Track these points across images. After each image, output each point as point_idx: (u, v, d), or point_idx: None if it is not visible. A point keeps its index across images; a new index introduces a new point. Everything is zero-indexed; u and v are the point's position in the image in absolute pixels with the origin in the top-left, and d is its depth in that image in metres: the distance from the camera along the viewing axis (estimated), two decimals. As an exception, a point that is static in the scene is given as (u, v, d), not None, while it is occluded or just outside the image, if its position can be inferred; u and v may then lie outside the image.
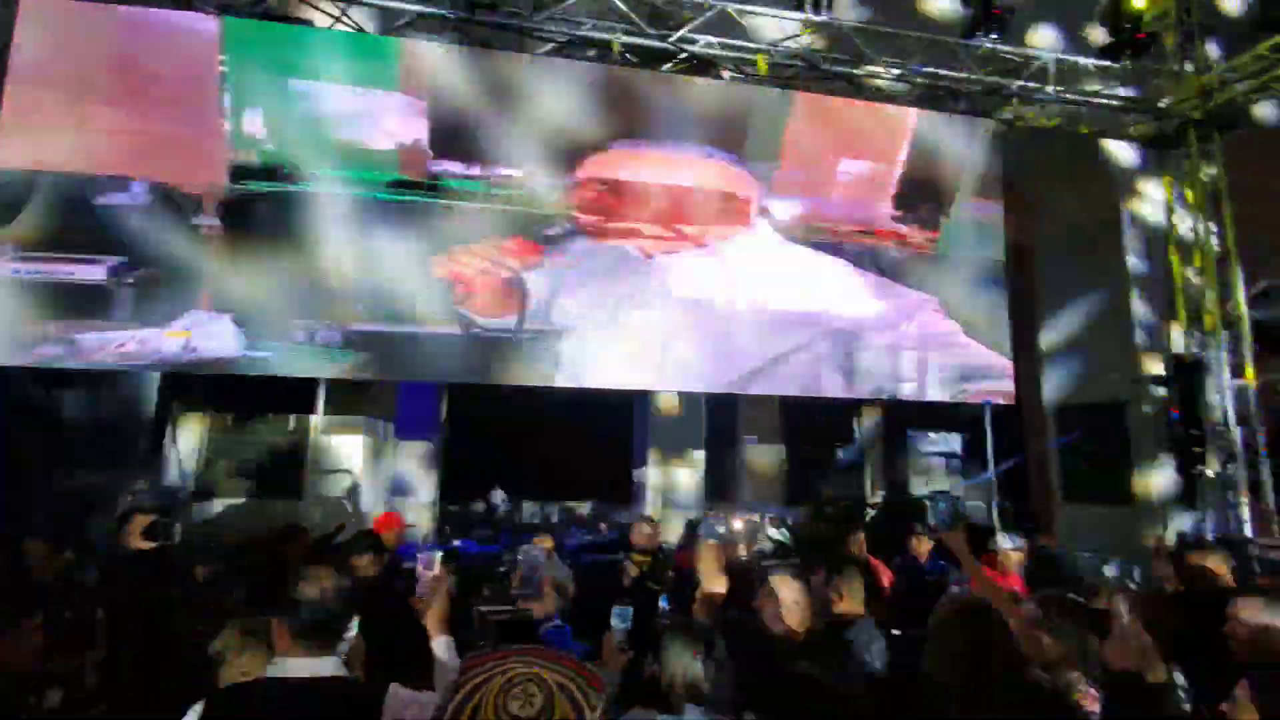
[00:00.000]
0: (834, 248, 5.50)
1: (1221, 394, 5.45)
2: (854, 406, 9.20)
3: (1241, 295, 5.63)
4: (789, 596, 2.35)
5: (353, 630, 2.05)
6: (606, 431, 10.73)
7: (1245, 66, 5.71)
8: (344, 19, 4.88)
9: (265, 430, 6.47)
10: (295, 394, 6.28)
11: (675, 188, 5.19)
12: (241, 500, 6.02)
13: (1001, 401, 5.45)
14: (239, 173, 4.36)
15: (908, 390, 5.13)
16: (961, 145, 5.64)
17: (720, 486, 8.89)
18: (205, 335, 4.09)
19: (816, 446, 9.14)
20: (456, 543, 7.49)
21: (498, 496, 10.02)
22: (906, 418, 8.86)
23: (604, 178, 5.08)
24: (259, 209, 4.38)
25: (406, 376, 5.08)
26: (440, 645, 1.94)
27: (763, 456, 8.91)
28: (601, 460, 10.74)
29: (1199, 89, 5.82)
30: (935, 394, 5.38)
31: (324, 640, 1.58)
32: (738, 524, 2.21)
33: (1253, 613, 2.13)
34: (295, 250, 4.48)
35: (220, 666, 1.77)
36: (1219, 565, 3.17)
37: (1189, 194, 5.92)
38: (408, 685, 1.74)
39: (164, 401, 5.09)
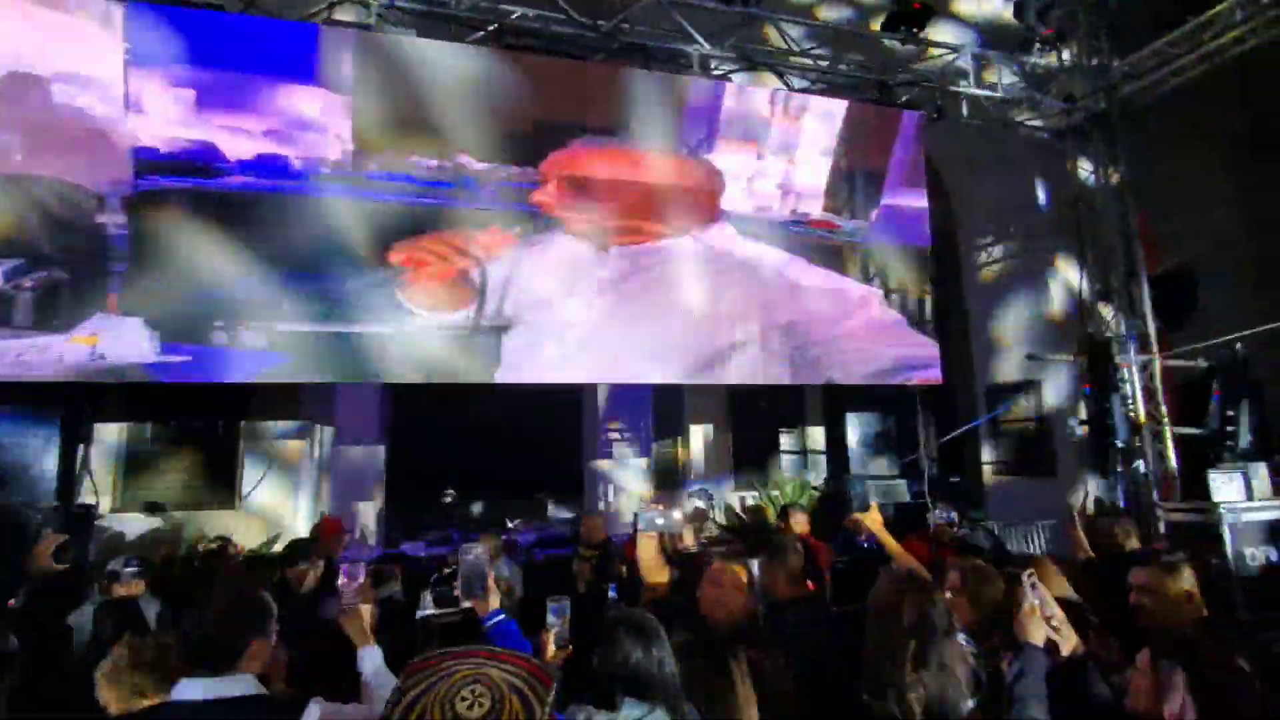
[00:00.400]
0: (785, 240, 5.62)
1: (1129, 369, 5.83)
2: (799, 392, 9.43)
3: (1144, 277, 6.02)
4: (729, 581, 2.39)
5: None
6: (557, 425, 10.69)
7: (1145, 62, 6.10)
8: (255, 4, 4.63)
9: (190, 440, 6.15)
10: (222, 399, 5.98)
11: (640, 183, 5.18)
12: (165, 516, 5.70)
13: (925, 384, 5.68)
14: (146, 168, 4.10)
15: (846, 376, 5.27)
16: (887, 135, 5.82)
17: (669, 475, 8.97)
18: (114, 340, 3.83)
19: (763, 432, 9.32)
20: (404, 546, 7.33)
21: (447, 496, 9.83)
22: (847, 401, 9.13)
23: (563, 174, 5.02)
24: (170, 205, 4.13)
25: (339, 378, 4.88)
26: (365, 656, 1.89)
27: (710, 443, 9.03)
28: (552, 454, 10.69)
29: (1104, 83, 6.18)
30: (873, 379, 5.55)
31: (219, 660, 1.51)
32: (681, 512, 2.21)
33: (1150, 579, 2.23)
34: (212, 248, 4.25)
35: (110, 690, 1.67)
36: (1126, 533, 3.36)
37: (1106, 178, 6.26)
38: (335, 699, 1.69)
39: (74, 413, 4.76)
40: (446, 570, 2.23)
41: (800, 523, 4.44)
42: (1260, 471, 5.35)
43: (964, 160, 7.36)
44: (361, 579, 2.01)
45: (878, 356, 5.37)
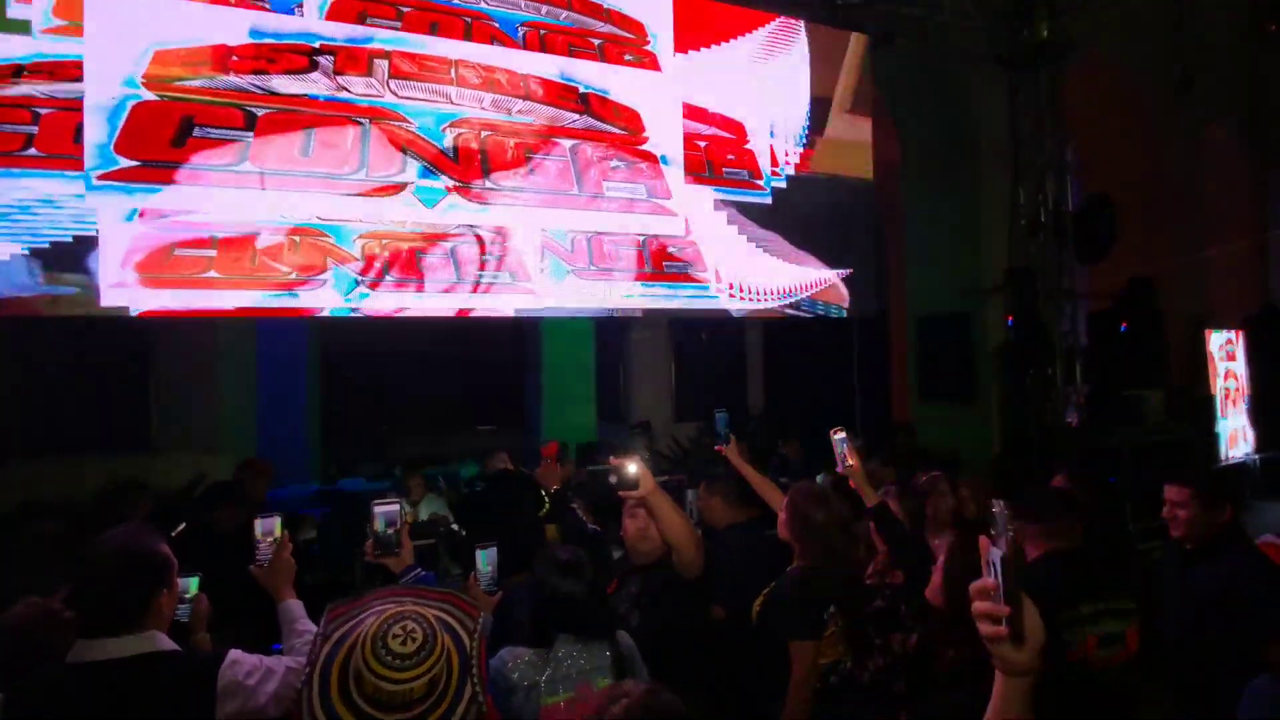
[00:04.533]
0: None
1: (1049, 301, 6.11)
2: (739, 325, 9.54)
3: (1069, 209, 6.22)
4: (642, 514, 2.40)
5: (190, 592, 1.89)
6: (498, 358, 10.50)
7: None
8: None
9: (92, 375, 5.70)
10: (126, 331, 5.53)
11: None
12: (70, 458, 5.33)
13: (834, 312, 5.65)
14: None
15: (766, 305, 5.21)
16: (837, 58, 5.63)
17: (611, 408, 9.03)
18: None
19: (703, 365, 9.45)
20: (342, 483, 7.18)
21: (383, 432, 9.63)
22: (784, 333, 9.30)
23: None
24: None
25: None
26: (284, 610, 1.82)
27: (651, 375, 9.10)
28: (493, 388, 10.54)
29: (1045, 15, 6.15)
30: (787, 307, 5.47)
31: (118, 618, 1.42)
32: (638, 465, 2.17)
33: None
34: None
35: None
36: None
37: (1041, 109, 6.32)
38: (262, 648, 1.63)
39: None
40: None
41: (738, 451, 4.54)
42: (1158, 396, 5.82)
43: (902, 90, 7.28)
44: (276, 532, 1.91)
45: (804, 286, 5.30)
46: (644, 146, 3.75)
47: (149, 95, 2.93)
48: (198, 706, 1.41)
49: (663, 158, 3.81)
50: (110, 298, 2.92)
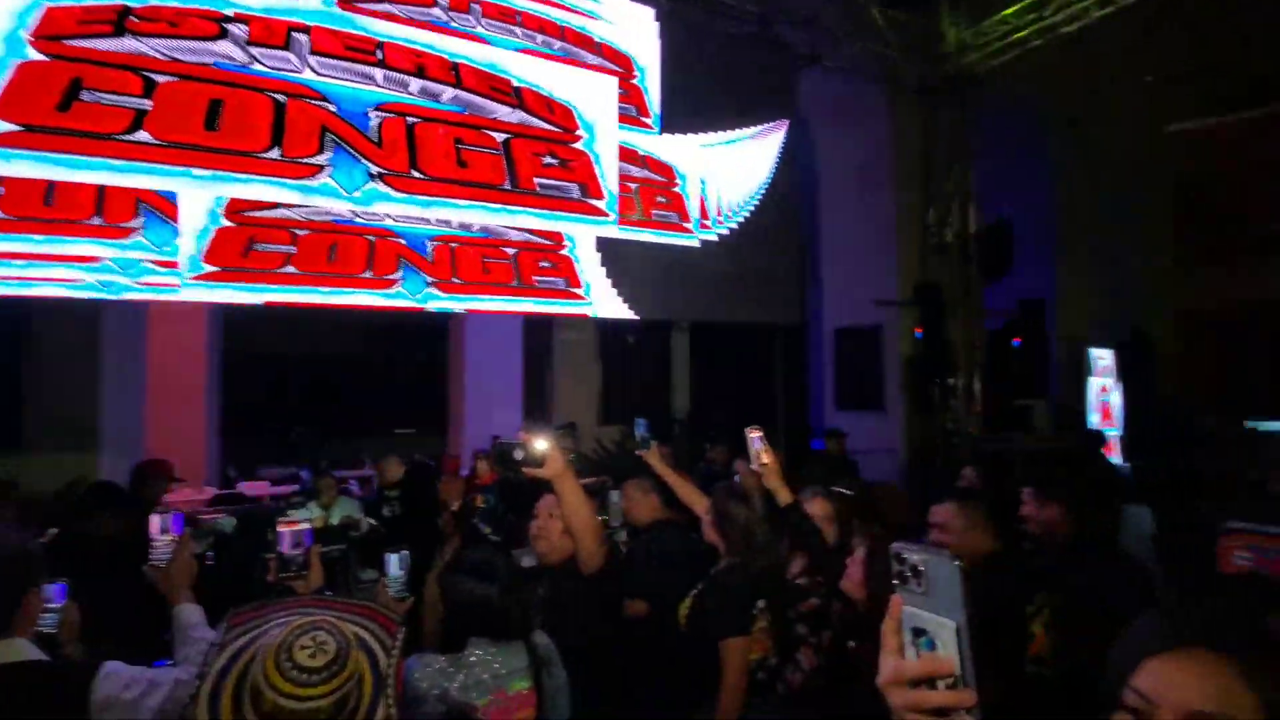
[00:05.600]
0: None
1: (954, 317, 6.54)
2: (666, 328, 9.64)
3: (972, 232, 6.69)
4: (545, 509, 2.39)
5: (57, 602, 1.71)
6: (420, 359, 10.16)
7: (991, 29, 6.58)
8: None
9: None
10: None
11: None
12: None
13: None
14: None
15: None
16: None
17: (538, 411, 8.90)
18: None
19: (631, 369, 9.49)
20: (242, 485, 6.70)
21: (296, 433, 9.09)
22: (711, 339, 9.48)
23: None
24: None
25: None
26: (180, 614, 1.68)
27: (578, 379, 9.04)
28: (416, 389, 10.19)
29: (953, 48, 6.62)
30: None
31: None
32: (548, 442, 2.11)
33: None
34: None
35: None
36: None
37: (951, 137, 6.77)
38: (137, 662, 1.49)
39: None
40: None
41: (663, 454, 4.59)
42: (1044, 407, 6.33)
43: (830, 109, 7.63)
44: (176, 531, 1.76)
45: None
46: (577, 145, 3.73)
47: (36, 55, 2.63)
48: (69, 725, 1.27)
49: (595, 157, 3.80)
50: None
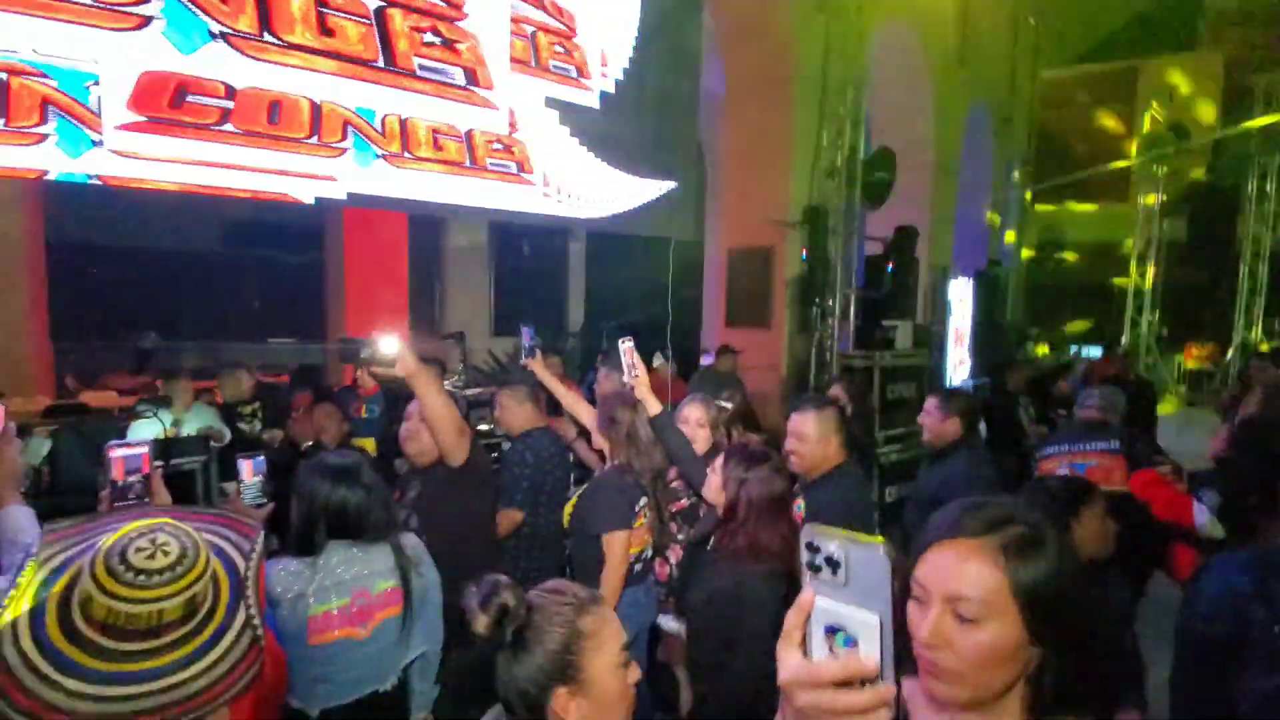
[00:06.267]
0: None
1: (835, 239, 6.86)
2: (563, 237, 9.43)
3: (860, 156, 6.94)
4: (414, 413, 2.37)
5: None
6: (289, 259, 9.33)
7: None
8: None
9: None
10: None
11: None
12: None
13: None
14: None
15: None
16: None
17: (425, 320, 8.56)
18: None
19: (524, 278, 9.27)
20: (87, 396, 6.02)
21: (149, 339, 8.20)
22: (607, 250, 9.41)
23: None
24: None
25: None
26: (10, 516, 1.52)
27: (469, 286, 8.73)
28: (286, 293, 9.42)
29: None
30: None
31: None
32: (397, 342, 2.01)
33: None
34: None
35: None
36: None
37: (849, 57, 6.84)
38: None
39: None
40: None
41: (553, 365, 4.61)
42: (906, 328, 6.91)
43: (737, 22, 7.43)
44: (-1, 425, 1.55)
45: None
46: (464, 24, 3.40)
47: None
48: None
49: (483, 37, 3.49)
50: None
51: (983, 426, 4.17)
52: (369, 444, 4.48)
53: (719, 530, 2.00)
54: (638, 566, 2.61)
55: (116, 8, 2.49)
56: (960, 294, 8.72)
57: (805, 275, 6.85)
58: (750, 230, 8.00)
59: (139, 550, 0.89)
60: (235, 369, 4.64)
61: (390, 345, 2.03)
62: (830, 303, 6.78)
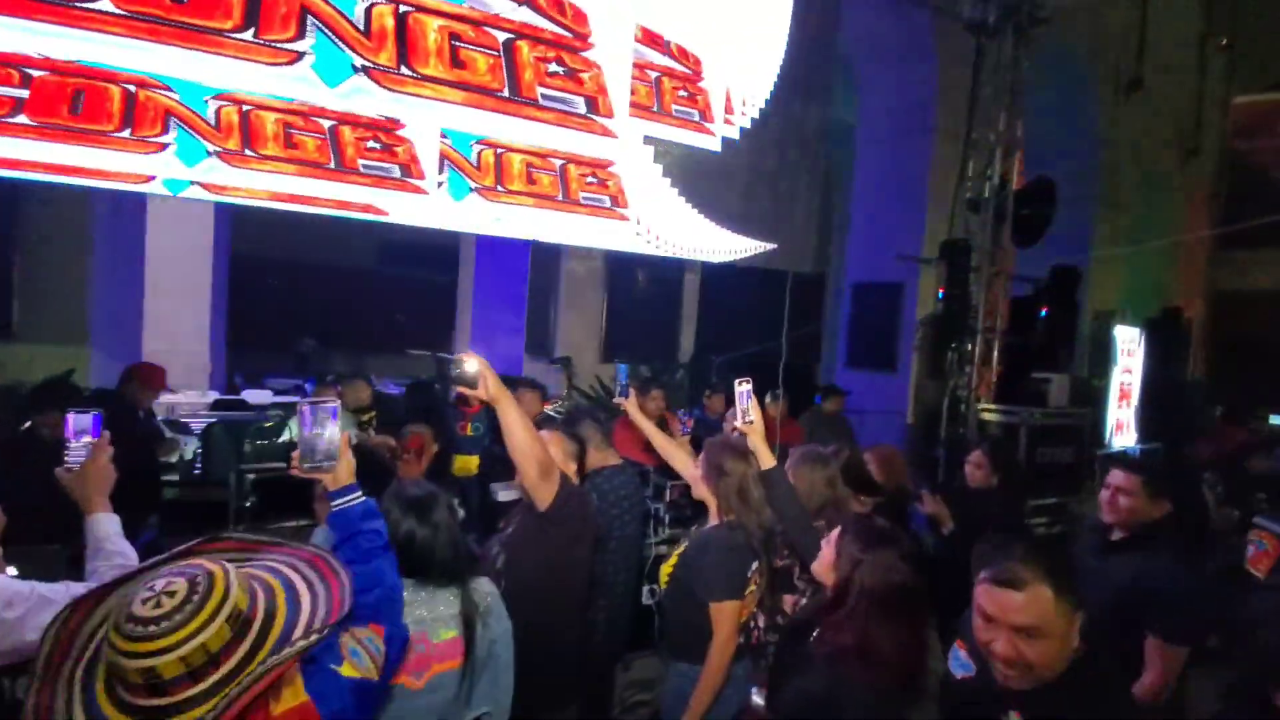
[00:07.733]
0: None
1: (980, 278, 6.17)
2: (678, 268, 9.34)
3: (1012, 189, 6.22)
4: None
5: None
6: (430, 279, 10.03)
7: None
8: None
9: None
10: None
11: None
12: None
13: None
14: None
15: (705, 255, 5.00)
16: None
17: (539, 343, 8.74)
18: None
19: (637, 306, 9.24)
20: (246, 393, 6.68)
21: (306, 345, 9.04)
22: (721, 282, 9.19)
23: None
24: None
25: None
26: (99, 523, 1.54)
27: (582, 312, 8.83)
28: (425, 310, 10.10)
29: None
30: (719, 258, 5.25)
31: None
32: (479, 363, 1.92)
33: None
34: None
35: None
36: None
37: (1000, 83, 6.20)
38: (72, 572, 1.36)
39: None
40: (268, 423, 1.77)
41: (655, 399, 4.44)
42: (1063, 382, 6.05)
43: (871, 45, 7.05)
44: (94, 434, 1.59)
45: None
46: (588, 54, 3.38)
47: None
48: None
49: (608, 68, 3.45)
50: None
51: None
52: (472, 462, 4.48)
53: (824, 618, 1.67)
54: (740, 638, 2.30)
55: (275, 44, 2.67)
56: (1128, 345, 7.57)
57: (941, 315, 6.21)
58: (878, 265, 7.47)
59: (144, 600, 0.86)
60: (355, 379, 4.85)
61: (471, 366, 1.91)
62: (970, 348, 6.08)
